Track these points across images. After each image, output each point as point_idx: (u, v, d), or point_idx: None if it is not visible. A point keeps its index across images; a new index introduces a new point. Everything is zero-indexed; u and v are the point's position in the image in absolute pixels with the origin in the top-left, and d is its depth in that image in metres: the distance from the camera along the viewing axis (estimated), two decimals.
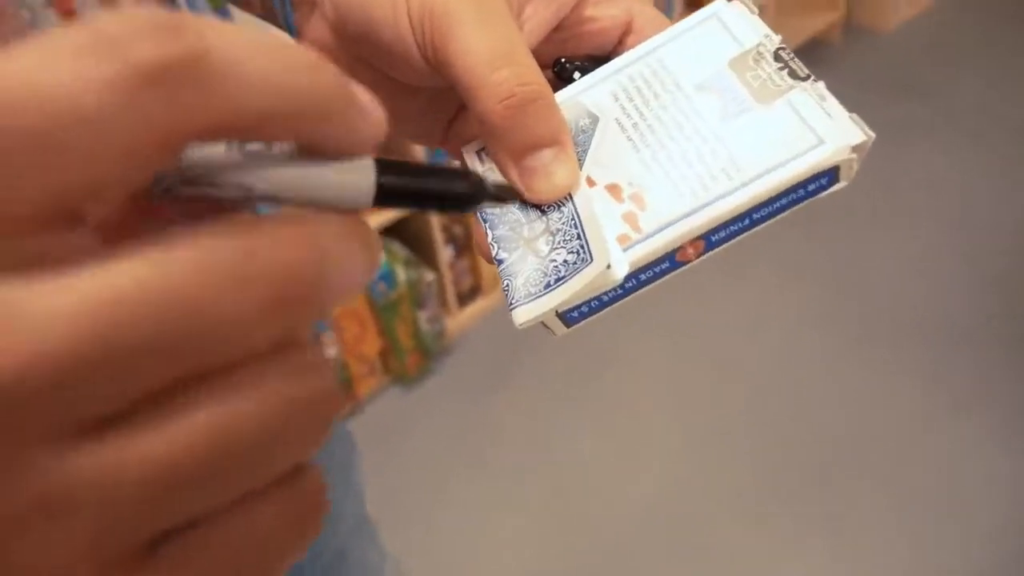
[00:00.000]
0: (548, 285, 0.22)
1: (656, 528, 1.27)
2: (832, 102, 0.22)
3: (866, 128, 0.22)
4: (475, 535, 1.30)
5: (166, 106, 0.12)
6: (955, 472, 1.29)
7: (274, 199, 0.15)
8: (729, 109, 0.23)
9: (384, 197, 0.16)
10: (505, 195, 0.22)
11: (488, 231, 0.23)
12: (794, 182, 0.22)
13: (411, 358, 1.54)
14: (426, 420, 1.50)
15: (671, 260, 0.22)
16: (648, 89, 0.24)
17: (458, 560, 1.28)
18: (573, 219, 0.22)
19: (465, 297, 1.67)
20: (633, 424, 1.43)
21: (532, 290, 0.22)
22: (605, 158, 0.24)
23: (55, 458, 0.11)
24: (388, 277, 1.45)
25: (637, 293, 0.23)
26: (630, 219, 0.22)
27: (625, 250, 0.22)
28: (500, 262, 0.23)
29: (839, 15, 2.11)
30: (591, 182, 0.23)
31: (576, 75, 0.25)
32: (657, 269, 0.22)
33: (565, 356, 1.55)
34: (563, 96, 0.25)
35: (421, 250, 1.58)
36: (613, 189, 0.23)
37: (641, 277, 0.22)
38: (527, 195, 0.23)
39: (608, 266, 0.21)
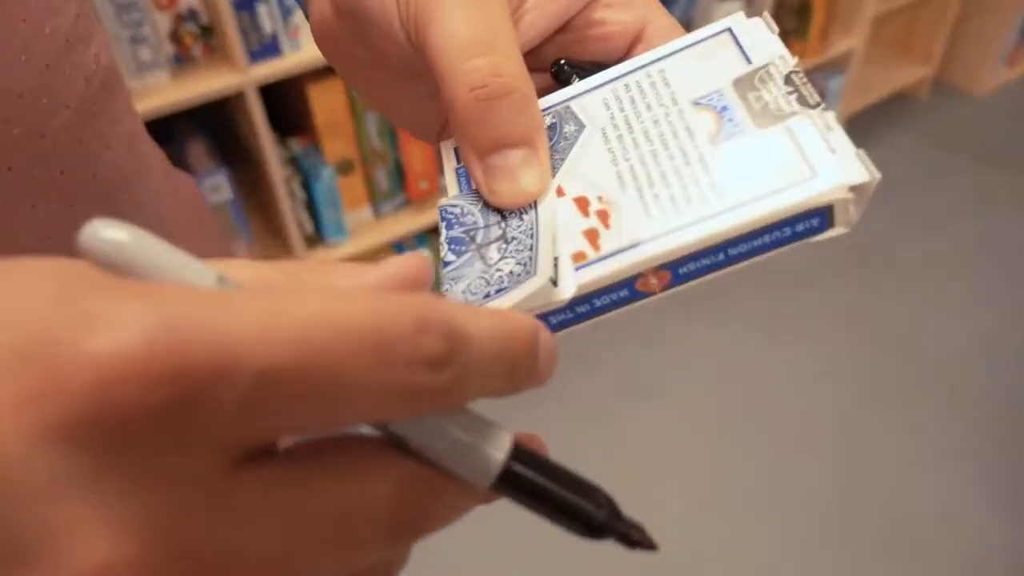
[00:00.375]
0: (488, 295, 0.20)
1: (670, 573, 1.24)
2: (839, 134, 0.20)
3: (872, 168, 0.19)
4: (483, 557, 1.29)
5: (411, 408, 0.14)
6: (976, 550, 1.22)
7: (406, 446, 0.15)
8: (723, 130, 0.21)
9: (507, 483, 0.16)
10: (638, 540, 0.17)
11: (443, 231, 0.22)
12: (777, 218, 0.19)
13: None
14: None
15: (630, 288, 0.20)
16: (642, 100, 0.22)
17: None
18: (531, 229, 0.21)
19: None
20: (658, 463, 1.40)
21: (470, 298, 0.20)
22: (582, 168, 0.22)
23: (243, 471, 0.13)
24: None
25: (596, 320, 0.21)
26: (591, 236, 0.20)
27: (578, 269, 0.20)
28: (446, 264, 0.21)
29: (930, 71, 2.04)
30: (561, 192, 0.22)
31: (574, 79, 0.24)
32: (615, 296, 0.20)
33: (600, 381, 1.53)
34: (553, 99, 0.24)
35: None
36: (581, 202, 0.21)
37: (596, 302, 0.20)
38: (488, 197, 0.21)
39: (554, 283, 0.20)
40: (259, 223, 1.36)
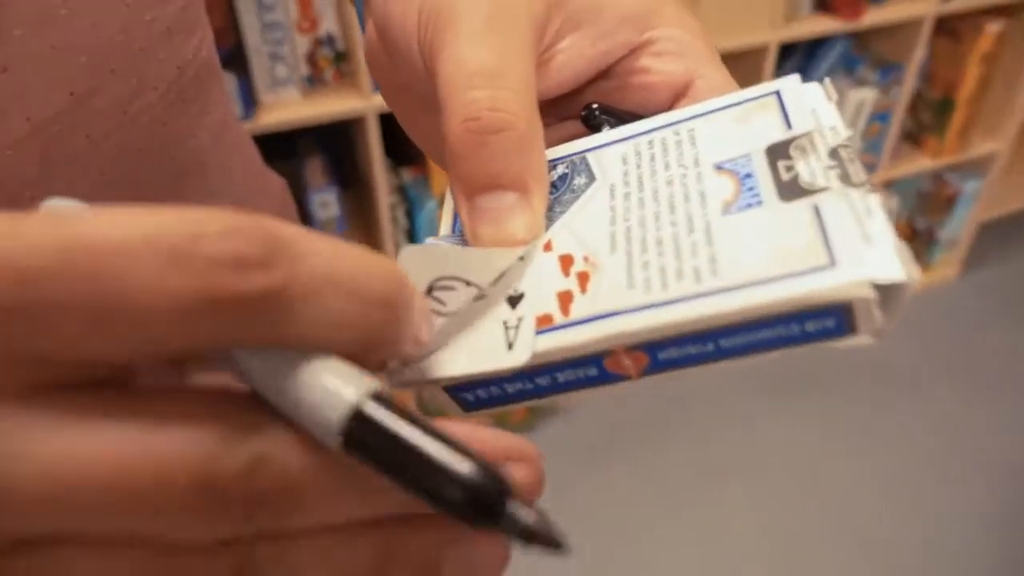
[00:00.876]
0: (439, 346, 0.18)
1: None
2: (880, 222, 0.16)
3: (912, 267, 0.15)
4: None
5: (227, 326, 0.12)
6: None
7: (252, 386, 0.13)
8: (740, 200, 0.18)
9: (359, 436, 0.12)
10: (536, 531, 0.13)
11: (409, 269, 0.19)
12: (780, 309, 0.16)
13: (518, 408, 1.53)
14: None
15: (598, 366, 0.17)
16: (662, 158, 0.20)
17: None
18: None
19: None
20: (728, 550, 1.33)
21: (421, 352, 0.18)
22: (577, 224, 0.20)
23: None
24: None
25: (560, 396, 0.18)
26: (563, 299, 0.18)
27: (539, 332, 0.17)
28: None
29: None
30: (548, 247, 0.19)
31: (605, 127, 0.22)
32: (582, 374, 0.18)
33: (675, 457, 1.47)
34: (573, 147, 0.22)
35: None
36: (565, 260, 0.19)
37: (559, 377, 0.18)
38: (471, 240, 0.19)
39: (509, 346, 0.17)
40: (359, 243, 1.40)
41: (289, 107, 1.12)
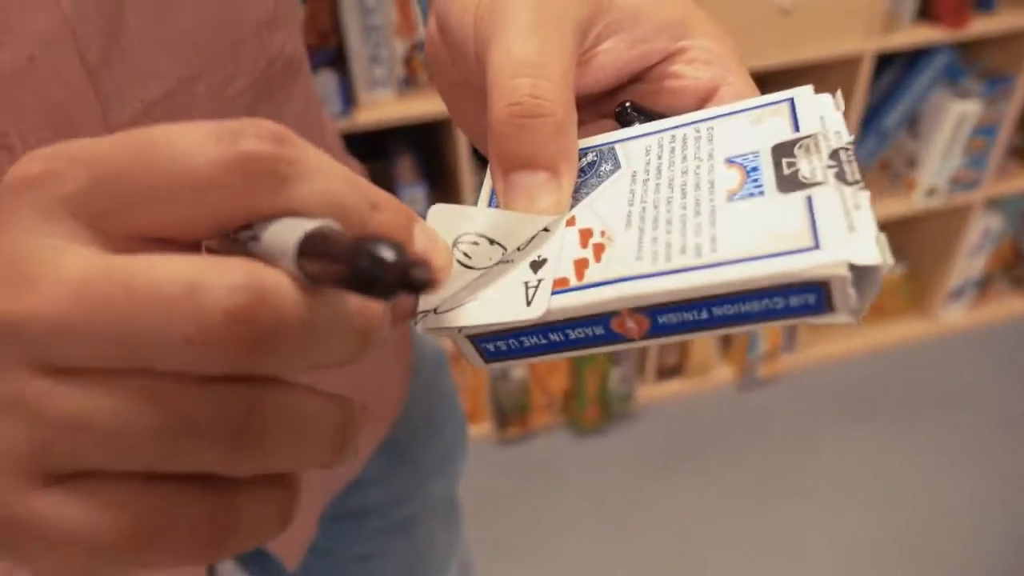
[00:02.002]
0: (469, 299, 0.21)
1: None
2: (865, 216, 0.18)
3: (888, 254, 0.17)
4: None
5: (249, 186, 0.16)
6: None
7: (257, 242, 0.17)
8: (743, 189, 0.20)
9: (305, 255, 0.15)
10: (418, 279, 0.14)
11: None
12: (767, 283, 0.18)
13: (591, 409, 1.55)
14: (585, 473, 1.49)
15: (605, 326, 0.20)
16: (681, 151, 0.22)
17: None
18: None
19: (665, 372, 1.64)
20: (798, 568, 1.30)
21: (449, 304, 0.21)
22: (599, 204, 0.22)
23: (31, 378, 0.15)
24: None
25: (573, 353, 0.21)
26: (579, 266, 0.20)
27: (555, 293, 0.20)
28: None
29: None
30: (571, 222, 0.22)
31: (636, 124, 0.24)
32: (591, 332, 0.20)
33: (751, 472, 1.45)
34: (603, 139, 0.24)
35: None
36: (584, 233, 0.21)
37: (570, 333, 0.21)
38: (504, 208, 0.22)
39: (528, 303, 0.20)
40: None
41: (385, 106, 1.18)
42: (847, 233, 0.18)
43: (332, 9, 1.11)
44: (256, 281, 0.15)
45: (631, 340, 0.20)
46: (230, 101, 0.32)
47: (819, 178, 0.19)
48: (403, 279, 0.14)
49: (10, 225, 0.16)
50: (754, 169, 0.21)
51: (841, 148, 0.20)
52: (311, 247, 0.15)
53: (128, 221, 0.16)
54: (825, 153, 0.20)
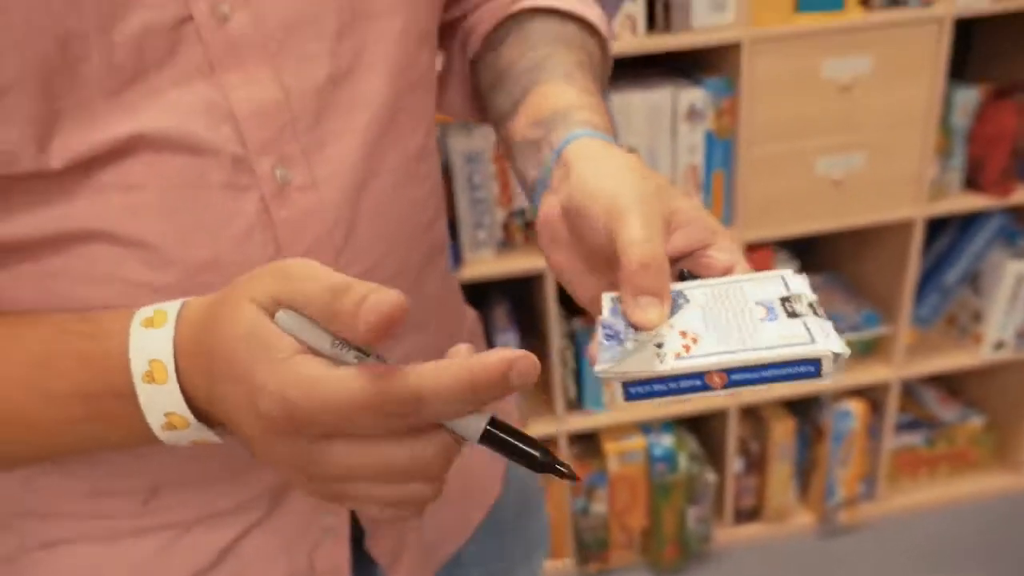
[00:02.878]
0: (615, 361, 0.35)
1: None
2: (831, 330, 0.35)
3: (845, 347, 0.34)
4: None
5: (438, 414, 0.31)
6: None
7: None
8: (768, 317, 0.36)
9: (487, 439, 0.31)
10: (564, 471, 0.32)
11: (600, 330, 0.37)
12: (787, 358, 0.33)
13: (670, 548, 1.60)
14: None
15: (701, 379, 0.34)
16: (726, 296, 0.38)
17: None
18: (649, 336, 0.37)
19: (743, 514, 1.68)
20: None
21: (605, 359, 0.36)
22: (684, 320, 0.37)
23: (316, 444, 0.31)
24: (670, 459, 1.56)
25: (680, 397, 0.35)
26: (685, 348, 0.35)
27: (675, 359, 0.34)
28: (601, 345, 0.36)
29: None
30: (669, 327, 0.37)
31: (687, 280, 0.40)
32: (692, 383, 0.34)
33: None
34: (679, 286, 0.39)
35: (711, 450, 1.66)
36: (683, 333, 0.36)
37: (682, 383, 0.34)
38: (629, 318, 0.36)
39: (661, 362, 0.34)
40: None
41: (485, 264, 1.38)
42: (826, 338, 0.34)
43: (448, 188, 1.35)
44: (448, 448, 0.32)
45: (715, 389, 0.34)
46: (398, 276, 0.49)
47: (807, 313, 0.36)
48: (551, 470, 0.32)
49: None
50: (771, 307, 0.37)
51: (812, 302, 0.37)
52: (494, 434, 0.32)
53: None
54: (806, 303, 0.37)
